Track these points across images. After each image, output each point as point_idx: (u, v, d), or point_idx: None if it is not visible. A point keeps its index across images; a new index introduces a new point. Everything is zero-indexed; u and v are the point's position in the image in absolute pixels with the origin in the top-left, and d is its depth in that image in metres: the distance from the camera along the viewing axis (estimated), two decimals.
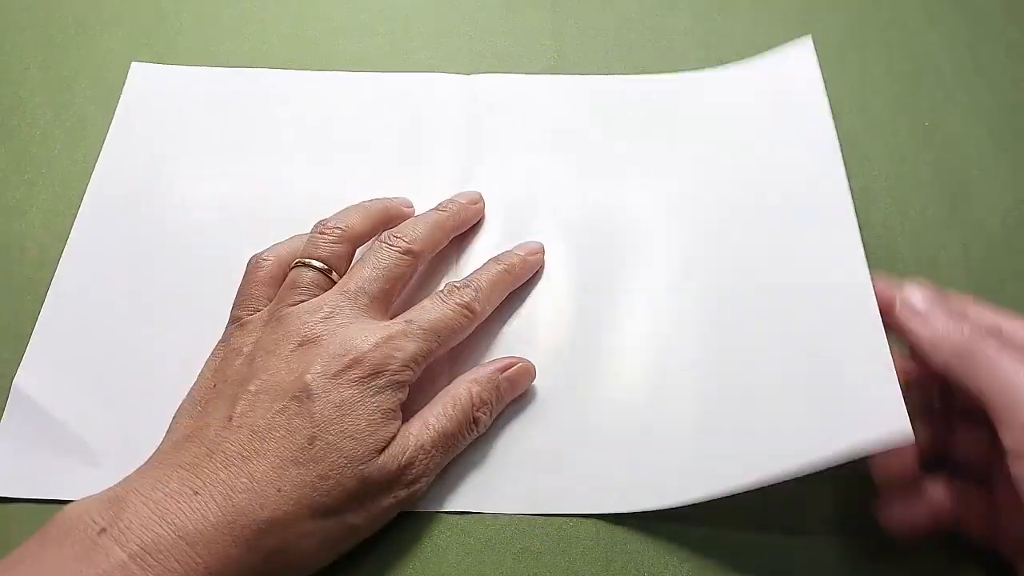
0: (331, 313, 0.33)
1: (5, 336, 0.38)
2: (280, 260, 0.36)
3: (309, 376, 0.31)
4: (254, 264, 0.36)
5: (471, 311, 0.35)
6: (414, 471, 0.32)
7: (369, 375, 0.32)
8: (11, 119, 0.45)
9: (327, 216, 0.37)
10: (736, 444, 0.33)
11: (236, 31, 0.48)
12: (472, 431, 0.34)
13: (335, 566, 0.33)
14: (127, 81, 0.46)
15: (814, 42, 0.43)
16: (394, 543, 0.34)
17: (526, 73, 0.46)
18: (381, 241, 0.36)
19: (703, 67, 0.47)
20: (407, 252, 0.36)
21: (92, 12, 0.49)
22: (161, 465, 0.30)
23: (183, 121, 0.45)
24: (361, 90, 0.46)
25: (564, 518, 0.34)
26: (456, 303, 0.35)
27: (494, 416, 0.35)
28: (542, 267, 0.39)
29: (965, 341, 0.30)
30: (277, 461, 0.30)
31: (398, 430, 0.32)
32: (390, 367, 0.32)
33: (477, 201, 0.41)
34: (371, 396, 0.31)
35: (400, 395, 0.33)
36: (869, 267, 0.42)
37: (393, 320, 0.34)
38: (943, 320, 0.31)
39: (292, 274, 0.35)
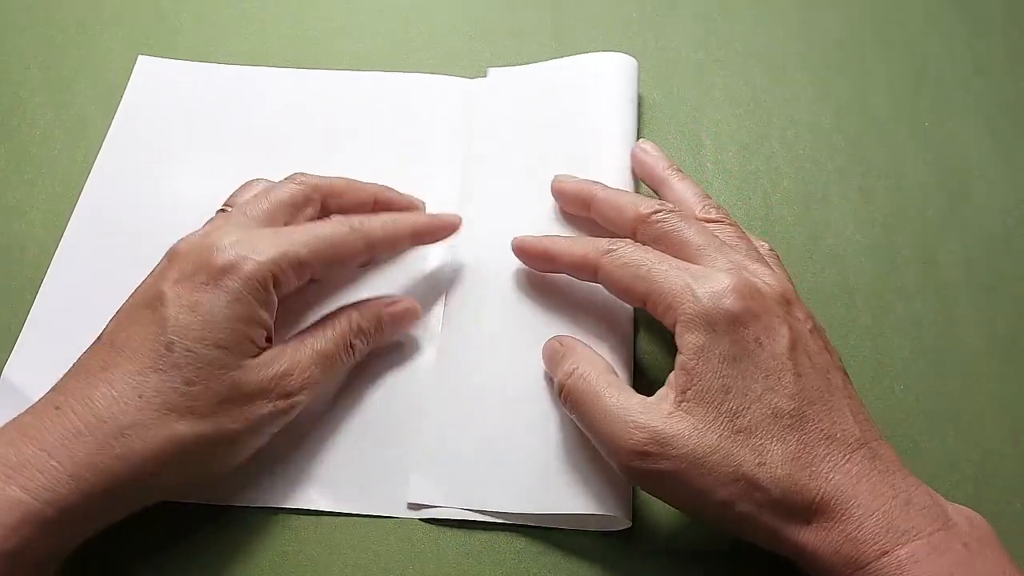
0: (205, 231, 0.33)
1: (5, 336, 0.38)
2: None
3: (164, 283, 0.31)
4: None
5: (352, 229, 0.34)
6: (292, 383, 0.32)
7: (219, 274, 0.31)
8: (11, 119, 0.45)
9: None
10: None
11: (236, 31, 0.48)
12: (350, 355, 0.35)
13: (334, 565, 0.33)
14: (132, 74, 0.46)
15: (809, 42, 0.43)
16: (395, 543, 0.34)
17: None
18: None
19: (703, 67, 0.47)
20: (300, 183, 0.35)
21: (92, 12, 0.49)
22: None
23: (186, 116, 0.45)
24: (362, 90, 0.46)
25: None
26: (338, 223, 0.34)
27: (371, 346, 0.36)
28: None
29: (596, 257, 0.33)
30: (136, 368, 0.30)
31: (270, 339, 0.32)
32: (244, 267, 0.31)
33: (422, 214, 0.40)
34: (229, 299, 0.31)
35: (261, 296, 0.31)
36: (869, 266, 0.42)
37: (277, 229, 0.33)
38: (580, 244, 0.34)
39: None
